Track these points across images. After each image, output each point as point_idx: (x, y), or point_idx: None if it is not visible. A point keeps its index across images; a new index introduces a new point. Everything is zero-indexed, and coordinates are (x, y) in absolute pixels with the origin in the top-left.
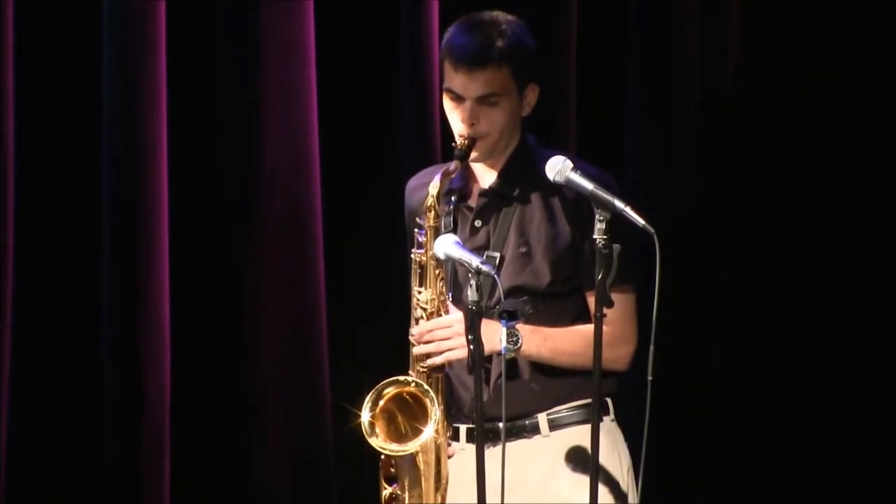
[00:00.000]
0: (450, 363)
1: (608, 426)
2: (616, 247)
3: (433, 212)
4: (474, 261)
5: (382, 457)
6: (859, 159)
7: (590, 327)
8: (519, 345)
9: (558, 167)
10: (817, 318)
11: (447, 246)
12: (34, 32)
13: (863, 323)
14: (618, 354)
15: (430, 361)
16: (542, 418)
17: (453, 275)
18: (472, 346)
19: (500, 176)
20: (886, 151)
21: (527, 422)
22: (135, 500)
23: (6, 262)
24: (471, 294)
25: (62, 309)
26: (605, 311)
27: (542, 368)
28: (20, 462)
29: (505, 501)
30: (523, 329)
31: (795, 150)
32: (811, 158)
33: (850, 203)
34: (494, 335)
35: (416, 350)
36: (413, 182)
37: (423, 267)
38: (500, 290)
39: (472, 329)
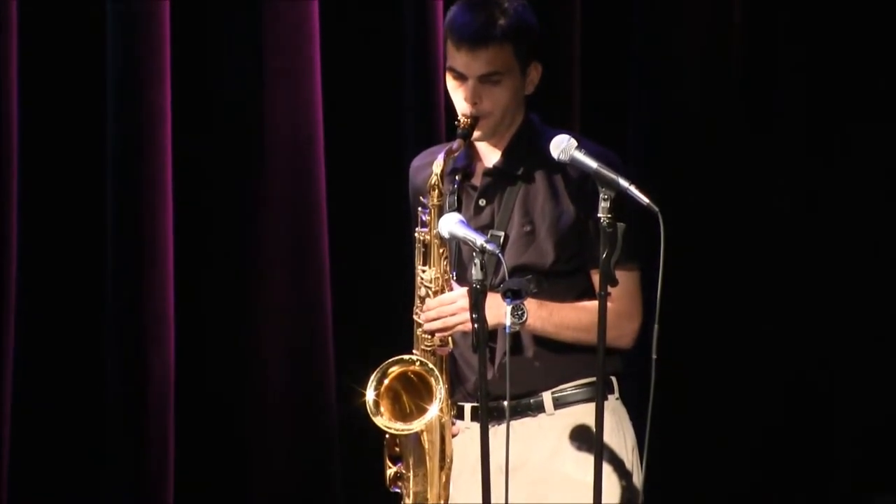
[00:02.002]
0: (454, 341)
1: (613, 405)
2: (620, 225)
3: (437, 190)
4: (478, 240)
5: (387, 436)
6: (859, 148)
7: (595, 303)
8: (524, 318)
9: (563, 146)
10: (817, 301)
11: (451, 225)
12: (38, 22)
13: (860, 305)
14: (622, 332)
15: (436, 335)
16: (546, 397)
17: (457, 253)
18: (475, 325)
19: (504, 155)
20: (887, 137)
21: (531, 400)
22: (141, 478)
23: (10, 246)
24: (475, 273)
25: (67, 291)
26: (610, 289)
27: (547, 346)
28: (25, 442)
29: (509, 480)
30: (529, 303)
31: (794, 134)
32: (811, 143)
33: (850, 187)
34: (499, 309)
35: (422, 328)
36: (417, 162)
37: (426, 246)
38: (504, 269)
39: (476, 308)
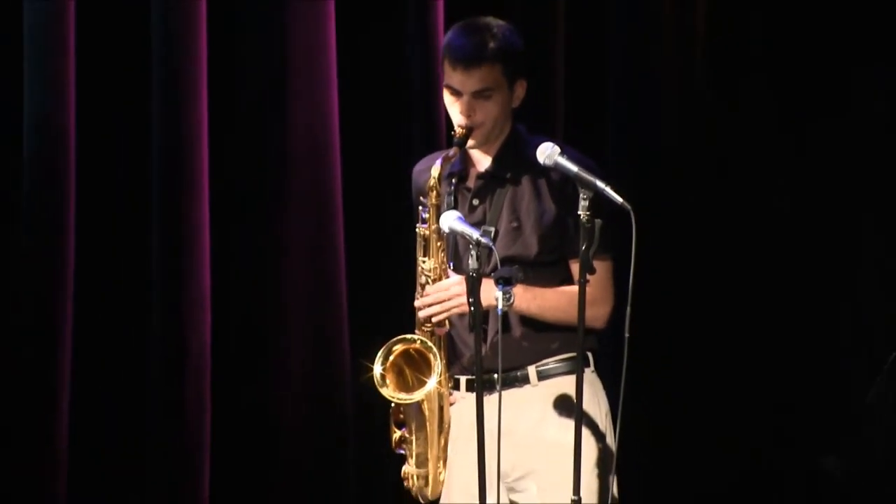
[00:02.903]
0: (451, 323)
1: (590, 377)
2: (598, 221)
3: (435, 191)
4: (475, 234)
5: (392, 405)
6: (830, 143)
7: (573, 288)
8: (511, 301)
9: (548, 152)
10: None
11: (451, 221)
12: (93, 34)
13: (830, 294)
14: (597, 314)
15: (434, 319)
16: (531, 370)
17: (454, 246)
18: (472, 308)
19: (494, 161)
20: (865, 131)
21: (518, 373)
22: (180, 435)
23: (69, 240)
24: (471, 263)
25: (116, 278)
26: (587, 277)
27: (532, 327)
28: (82, 411)
29: (501, 442)
30: (517, 288)
31: (769, 130)
32: (785, 141)
33: (820, 180)
34: (491, 293)
35: (422, 312)
36: (419, 166)
37: (426, 239)
38: (496, 259)
39: (473, 293)
